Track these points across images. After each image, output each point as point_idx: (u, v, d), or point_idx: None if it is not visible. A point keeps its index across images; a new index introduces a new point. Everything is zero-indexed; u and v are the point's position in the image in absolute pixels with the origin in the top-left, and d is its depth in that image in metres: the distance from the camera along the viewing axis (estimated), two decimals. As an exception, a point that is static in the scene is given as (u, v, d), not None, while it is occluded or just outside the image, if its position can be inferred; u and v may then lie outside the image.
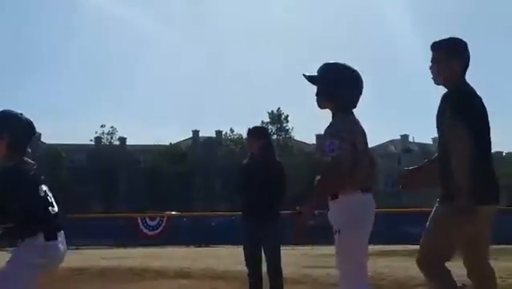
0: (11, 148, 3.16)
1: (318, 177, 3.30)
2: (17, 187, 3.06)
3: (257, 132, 5.78)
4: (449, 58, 3.60)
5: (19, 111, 3.29)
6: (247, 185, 5.58)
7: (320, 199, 3.39)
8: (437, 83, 3.68)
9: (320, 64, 3.41)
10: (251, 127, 5.78)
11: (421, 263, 3.55)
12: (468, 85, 3.62)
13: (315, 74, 3.36)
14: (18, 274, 3.05)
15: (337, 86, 3.28)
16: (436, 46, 3.67)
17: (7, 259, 3.09)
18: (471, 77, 3.58)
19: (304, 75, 3.35)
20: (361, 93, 3.34)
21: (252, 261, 5.55)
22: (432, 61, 3.67)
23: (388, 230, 14.97)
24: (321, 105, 3.37)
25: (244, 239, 5.65)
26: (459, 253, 3.62)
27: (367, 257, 3.24)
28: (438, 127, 3.62)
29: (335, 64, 3.38)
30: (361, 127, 3.32)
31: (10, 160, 3.15)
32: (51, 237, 3.13)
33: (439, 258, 3.49)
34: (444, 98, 3.60)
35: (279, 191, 5.54)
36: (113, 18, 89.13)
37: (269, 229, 5.44)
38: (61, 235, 3.21)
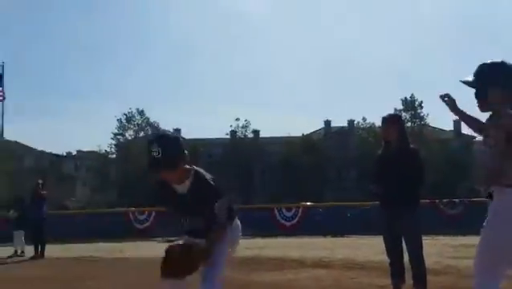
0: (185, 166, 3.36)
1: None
2: (219, 191, 3.43)
3: (392, 120, 5.73)
4: None
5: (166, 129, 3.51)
6: (384, 174, 5.56)
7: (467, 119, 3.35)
8: None
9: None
10: (386, 114, 5.74)
11: None
12: None
13: (472, 77, 3.20)
14: (225, 251, 3.52)
15: (496, 86, 3.09)
16: None
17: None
18: None
19: (461, 81, 3.20)
20: None
21: (393, 250, 5.53)
22: None
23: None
24: (482, 108, 3.20)
25: (383, 229, 5.64)
26: None
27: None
28: None
29: (491, 64, 3.20)
30: None
31: (185, 177, 3.37)
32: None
33: None
34: None
35: (417, 179, 5.46)
36: (240, 10, 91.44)
37: (408, 218, 5.39)
38: None
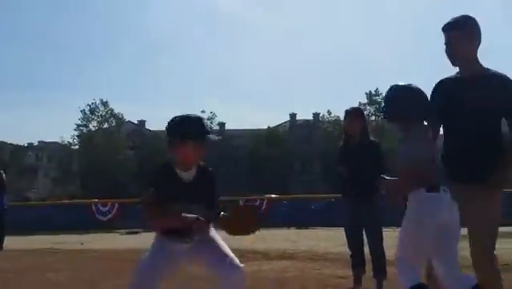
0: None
1: None
2: None
3: (356, 113, 5.77)
4: (469, 38, 3.58)
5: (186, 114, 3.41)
6: (346, 166, 5.62)
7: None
8: (456, 64, 3.67)
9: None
10: (349, 108, 5.79)
11: None
12: None
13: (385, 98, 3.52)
14: None
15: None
16: (454, 27, 3.60)
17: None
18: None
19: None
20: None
21: (354, 242, 5.59)
22: (449, 42, 3.62)
23: None
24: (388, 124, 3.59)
25: (345, 221, 5.71)
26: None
27: None
28: (492, 105, 3.51)
29: (402, 88, 3.44)
30: None
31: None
32: None
33: None
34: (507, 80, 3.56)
35: (378, 171, 5.51)
36: (213, 4, 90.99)
37: (369, 210, 5.46)
38: None
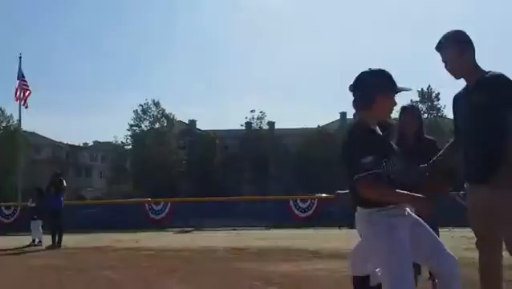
0: None
1: None
2: None
3: (413, 111, 5.65)
4: (460, 52, 3.64)
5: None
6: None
7: None
8: (458, 77, 3.74)
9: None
10: (407, 105, 5.68)
11: None
12: None
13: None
14: None
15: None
16: (443, 45, 3.70)
17: None
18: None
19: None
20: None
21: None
22: (445, 60, 3.71)
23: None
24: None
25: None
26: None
27: None
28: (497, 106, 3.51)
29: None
30: None
31: None
32: None
33: None
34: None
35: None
36: (260, 5, 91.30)
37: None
38: None
